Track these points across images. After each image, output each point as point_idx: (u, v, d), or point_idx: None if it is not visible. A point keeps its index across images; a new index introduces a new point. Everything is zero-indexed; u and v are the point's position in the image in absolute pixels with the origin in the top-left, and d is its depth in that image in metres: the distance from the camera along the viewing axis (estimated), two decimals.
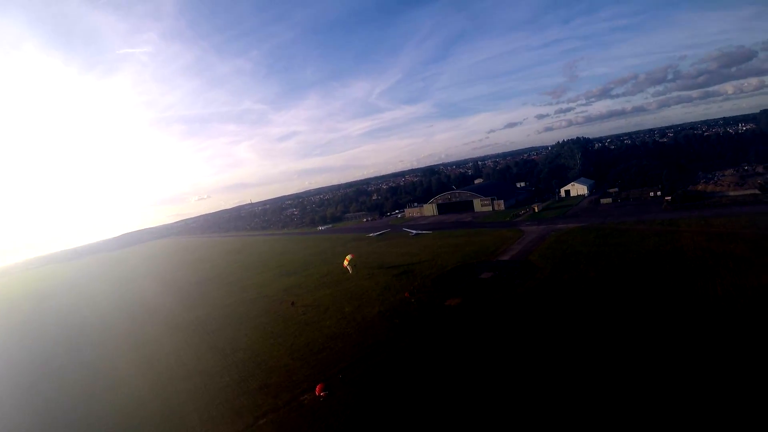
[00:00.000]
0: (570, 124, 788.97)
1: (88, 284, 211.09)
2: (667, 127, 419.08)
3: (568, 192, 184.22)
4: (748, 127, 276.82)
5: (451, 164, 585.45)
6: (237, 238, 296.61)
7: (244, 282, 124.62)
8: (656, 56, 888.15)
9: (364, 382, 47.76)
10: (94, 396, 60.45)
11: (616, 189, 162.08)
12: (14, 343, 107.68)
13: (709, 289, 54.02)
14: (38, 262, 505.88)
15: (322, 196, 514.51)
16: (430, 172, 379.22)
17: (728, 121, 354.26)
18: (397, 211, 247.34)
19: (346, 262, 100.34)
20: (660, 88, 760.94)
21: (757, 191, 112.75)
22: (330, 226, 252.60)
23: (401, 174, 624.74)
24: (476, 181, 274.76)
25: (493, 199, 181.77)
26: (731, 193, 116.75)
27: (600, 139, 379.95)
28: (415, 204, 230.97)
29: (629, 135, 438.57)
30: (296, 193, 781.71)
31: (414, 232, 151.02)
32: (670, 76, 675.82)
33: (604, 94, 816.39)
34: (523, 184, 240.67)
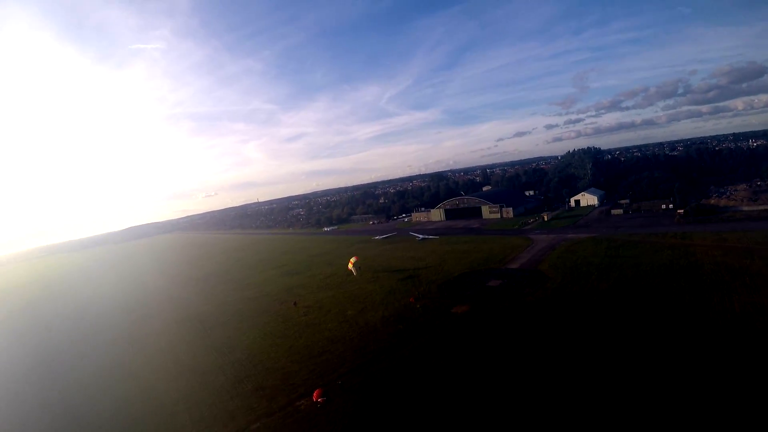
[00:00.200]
0: (579, 135, 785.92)
1: (88, 276, 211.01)
2: (677, 141, 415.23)
3: (578, 202, 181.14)
4: (759, 143, 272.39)
5: (459, 171, 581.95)
6: (242, 236, 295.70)
7: (246, 280, 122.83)
8: (667, 70, 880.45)
9: (365, 390, 45.31)
10: (82, 391, 58.65)
11: (627, 200, 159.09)
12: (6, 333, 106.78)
13: (726, 306, 51.64)
14: (40, 253, 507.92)
15: (328, 198, 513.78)
16: (438, 177, 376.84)
17: (738, 136, 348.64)
18: (404, 215, 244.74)
19: (350, 264, 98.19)
20: (670, 102, 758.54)
21: None
22: (336, 227, 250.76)
23: (409, 179, 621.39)
24: (485, 188, 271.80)
25: (501, 207, 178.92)
26: (745, 208, 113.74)
27: (609, 151, 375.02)
28: (423, 208, 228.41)
29: (638, 148, 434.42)
30: (303, 194, 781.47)
31: (421, 236, 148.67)
32: (680, 91, 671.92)
33: (614, 106, 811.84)
34: (531, 192, 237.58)
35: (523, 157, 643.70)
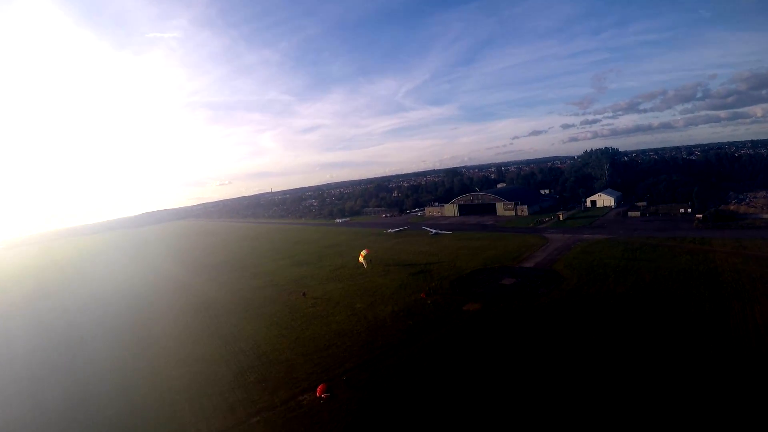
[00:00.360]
0: (595, 135, 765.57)
1: (98, 261, 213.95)
2: (694, 146, 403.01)
3: (594, 202, 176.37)
4: None
5: (473, 167, 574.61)
6: (254, 225, 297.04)
7: (256, 269, 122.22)
8: (686, 73, 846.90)
9: (370, 387, 43.48)
10: (83, 378, 58.18)
11: (645, 203, 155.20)
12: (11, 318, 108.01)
13: (747, 315, 48.80)
14: (55, 235, 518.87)
15: (342, 190, 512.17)
16: (453, 173, 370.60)
17: (756, 144, 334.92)
18: (417, 209, 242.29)
19: (361, 257, 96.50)
20: (688, 105, 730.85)
21: None
22: (348, 219, 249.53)
23: (423, 174, 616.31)
24: (499, 185, 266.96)
25: (516, 204, 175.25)
26: (765, 216, 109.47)
27: (625, 153, 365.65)
28: (436, 203, 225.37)
29: (655, 151, 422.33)
30: (317, 185, 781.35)
31: (433, 231, 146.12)
32: (699, 95, 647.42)
33: (632, 108, 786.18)
34: (547, 191, 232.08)
35: (538, 156, 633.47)
